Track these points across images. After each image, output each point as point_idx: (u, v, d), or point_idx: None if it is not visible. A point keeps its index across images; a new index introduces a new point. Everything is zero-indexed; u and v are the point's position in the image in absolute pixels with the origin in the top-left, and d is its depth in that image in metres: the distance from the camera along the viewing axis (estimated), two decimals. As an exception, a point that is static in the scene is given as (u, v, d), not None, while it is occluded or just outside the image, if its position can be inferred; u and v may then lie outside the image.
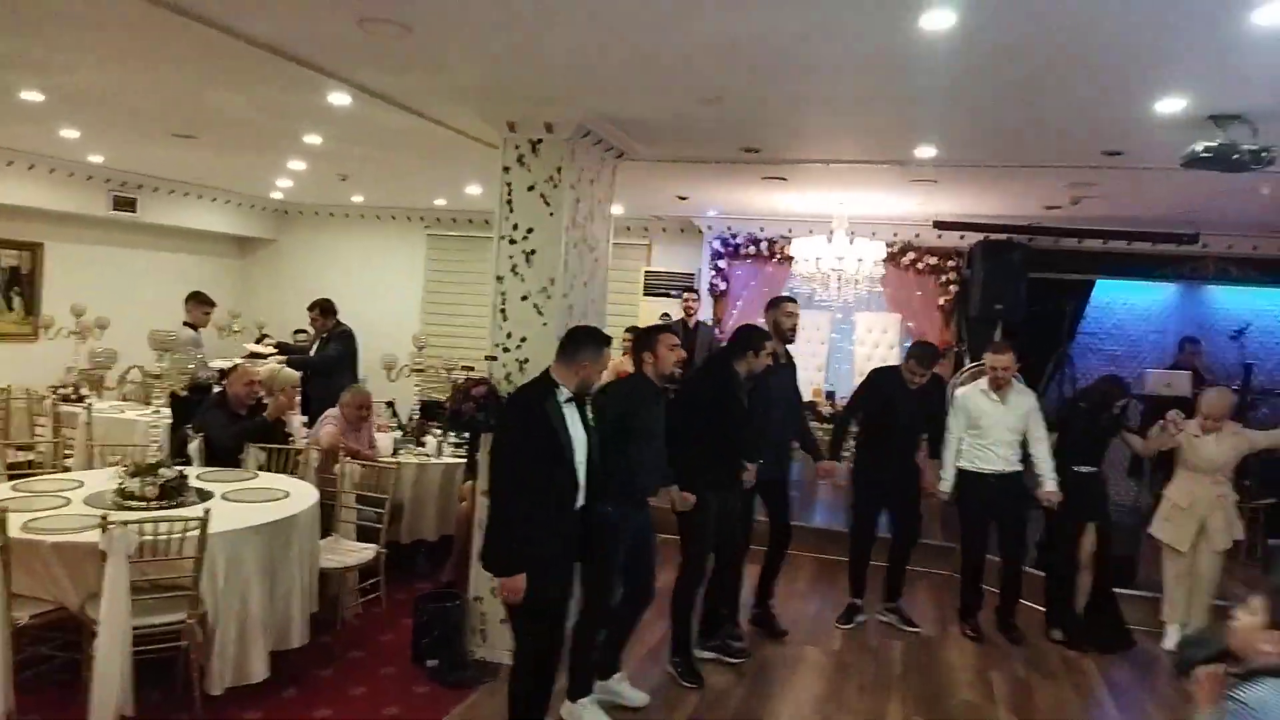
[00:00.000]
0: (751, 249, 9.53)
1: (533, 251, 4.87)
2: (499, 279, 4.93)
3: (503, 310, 4.92)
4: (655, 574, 4.34)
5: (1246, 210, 6.87)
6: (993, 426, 5.40)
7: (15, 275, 8.81)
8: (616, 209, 9.52)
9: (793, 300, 5.48)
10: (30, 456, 6.63)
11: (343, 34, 3.53)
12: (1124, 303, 9.19)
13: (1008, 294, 8.50)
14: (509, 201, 4.89)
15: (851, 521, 5.79)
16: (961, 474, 5.51)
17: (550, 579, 3.53)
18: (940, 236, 8.83)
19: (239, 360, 5.93)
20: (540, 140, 4.81)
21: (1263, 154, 3.77)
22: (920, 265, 9.06)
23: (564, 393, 3.52)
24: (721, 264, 9.71)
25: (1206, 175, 5.24)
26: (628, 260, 10.38)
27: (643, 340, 4.23)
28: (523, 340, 4.88)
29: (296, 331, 10.18)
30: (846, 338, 9.43)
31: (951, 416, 5.57)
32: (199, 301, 7.27)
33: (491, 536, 3.59)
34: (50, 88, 5.03)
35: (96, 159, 8.06)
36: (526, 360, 4.86)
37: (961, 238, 8.83)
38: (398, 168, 7.34)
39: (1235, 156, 3.79)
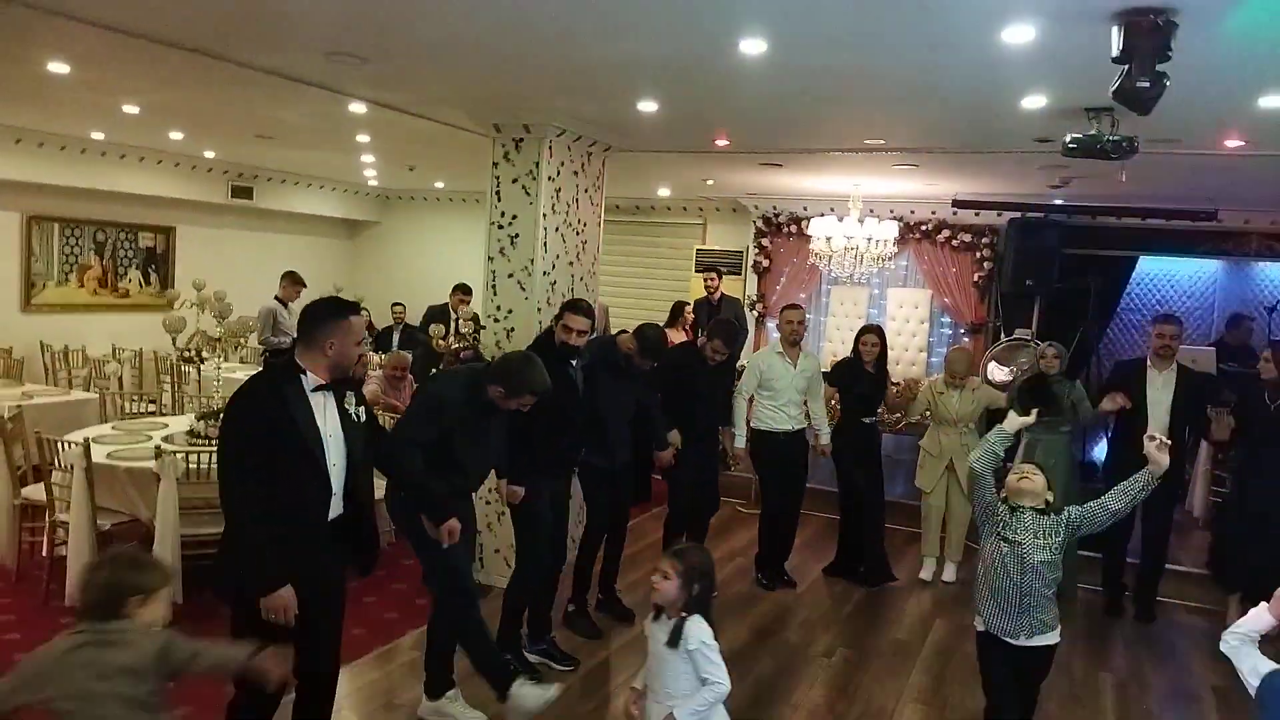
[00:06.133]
0: (793, 228, 9.98)
1: (516, 235, 5.67)
2: (489, 259, 5.76)
3: (493, 286, 5.76)
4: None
5: (1259, 189, 6.87)
6: (785, 388, 5.72)
7: (152, 254, 10.39)
8: (664, 191, 10.26)
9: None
10: (153, 408, 8.05)
11: (319, 64, 4.42)
12: (1169, 279, 9.13)
13: (1040, 270, 8.66)
14: (497, 192, 5.71)
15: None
16: (755, 433, 5.79)
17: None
18: (970, 215, 9.04)
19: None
20: (521, 139, 5.59)
21: (1124, 144, 4.10)
22: (955, 243, 9.28)
23: (311, 380, 2.98)
24: (765, 242, 10.21)
25: (1168, 159, 5.54)
26: (681, 239, 11.05)
27: None
28: (509, 312, 5.71)
29: (394, 304, 11.47)
30: (884, 313, 9.76)
31: (744, 377, 5.85)
32: (292, 281, 8.59)
33: (232, 555, 2.97)
34: (142, 104, 6.22)
35: (210, 154, 9.42)
36: (512, 329, 5.69)
37: (998, 215, 9.00)
38: (446, 160, 8.29)
39: (1099, 146, 4.13)
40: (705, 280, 9.12)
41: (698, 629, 2.84)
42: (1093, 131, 4.20)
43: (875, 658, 4.95)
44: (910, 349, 9.31)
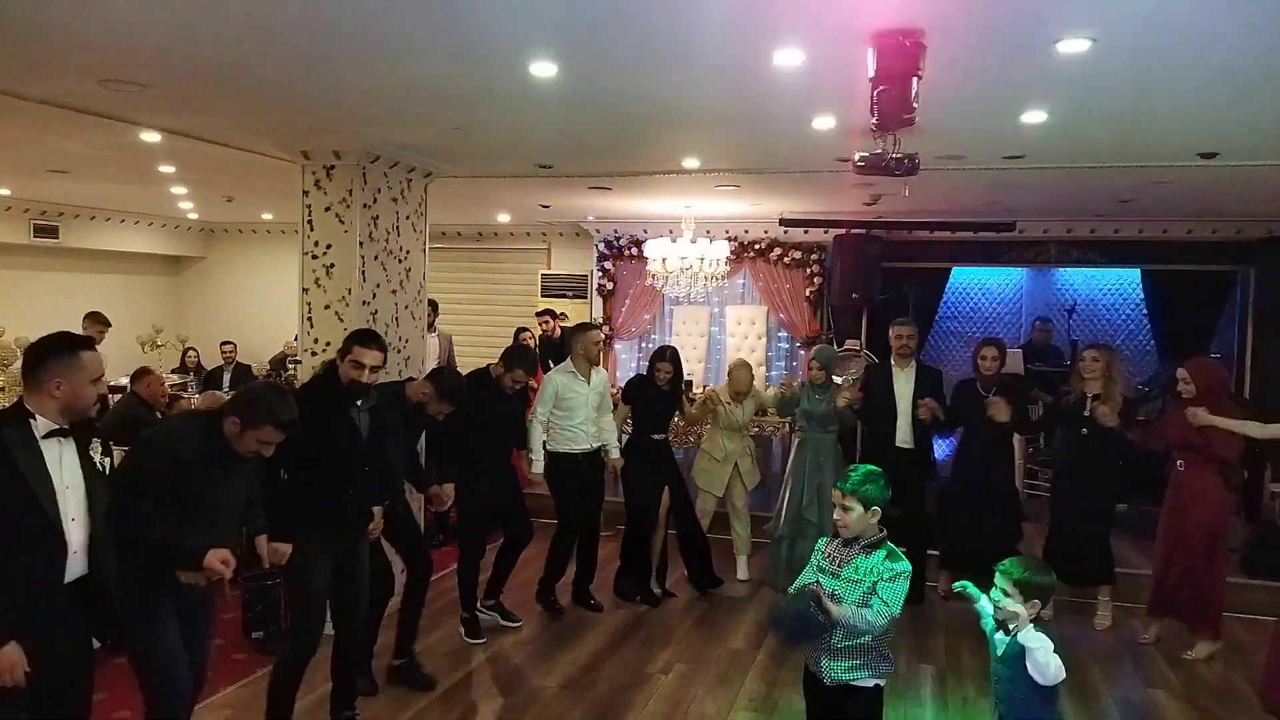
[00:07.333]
0: (634, 250, 10.08)
1: (331, 265, 5.49)
2: (304, 290, 5.55)
3: (309, 319, 5.55)
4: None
5: (1050, 200, 7.45)
6: (581, 406, 5.70)
7: (-55, 303, 9.51)
8: (504, 217, 10.19)
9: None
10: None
11: (94, 92, 4.15)
12: (980, 287, 9.75)
13: (864, 283, 9.10)
14: (309, 221, 5.52)
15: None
16: (555, 456, 5.71)
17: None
18: (800, 233, 9.41)
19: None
20: (332, 166, 5.43)
21: (905, 160, 4.32)
22: (786, 260, 9.62)
23: (43, 425, 2.71)
24: (608, 265, 10.29)
25: (961, 174, 5.88)
26: (526, 264, 11.02)
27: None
28: (327, 345, 5.49)
29: (223, 343, 10.90)
30: (724, 330, 9.99)
31: (539, 401, 5.72)
32: (94, 321, 8.03)
33: None
34: (-87, 140, 5.69)
35: (4, 191, 8.73)
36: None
37: (825, 232, 9.39)
38: (263, 190, 7.96)
39: (884, 163, 4.35)
40: (541, 324, 9.16)
41: None
42: (878, 150, 4.41)
43: (711, 669, 4.99)
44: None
